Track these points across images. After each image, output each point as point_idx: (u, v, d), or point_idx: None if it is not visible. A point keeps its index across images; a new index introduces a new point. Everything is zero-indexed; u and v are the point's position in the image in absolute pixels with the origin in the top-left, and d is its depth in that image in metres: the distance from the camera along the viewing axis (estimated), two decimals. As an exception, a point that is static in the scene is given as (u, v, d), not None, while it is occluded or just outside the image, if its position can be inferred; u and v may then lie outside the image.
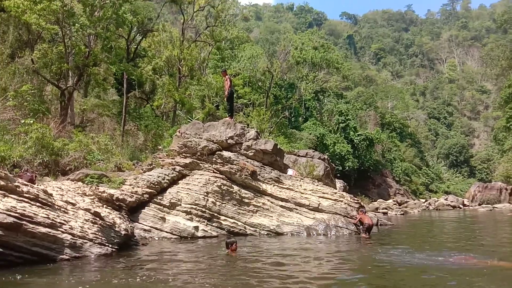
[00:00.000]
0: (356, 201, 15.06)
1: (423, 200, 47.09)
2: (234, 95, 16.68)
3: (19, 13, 17.35)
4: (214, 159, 14.08)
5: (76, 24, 18.45)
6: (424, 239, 13.24)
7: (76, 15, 18.75)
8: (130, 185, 12.41)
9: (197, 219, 12.54)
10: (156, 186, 12.61)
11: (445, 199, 42.42)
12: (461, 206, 39.28)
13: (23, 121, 14.65)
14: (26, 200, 7.70)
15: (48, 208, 8.05)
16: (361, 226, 13.06)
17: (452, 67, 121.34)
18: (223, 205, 13.18)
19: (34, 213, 7.53)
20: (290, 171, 15.89)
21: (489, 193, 41.19)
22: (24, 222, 7.22)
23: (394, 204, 37.70)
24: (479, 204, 39.40)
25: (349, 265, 7.97)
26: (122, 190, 11.91)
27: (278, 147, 15.73)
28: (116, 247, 8.83)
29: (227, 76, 16.17)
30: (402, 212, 30.76)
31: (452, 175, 74.05)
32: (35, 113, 16.76)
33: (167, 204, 12.46)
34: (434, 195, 56.41)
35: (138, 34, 28.16)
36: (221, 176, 13.61)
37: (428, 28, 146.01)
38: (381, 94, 76.22)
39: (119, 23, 21.14)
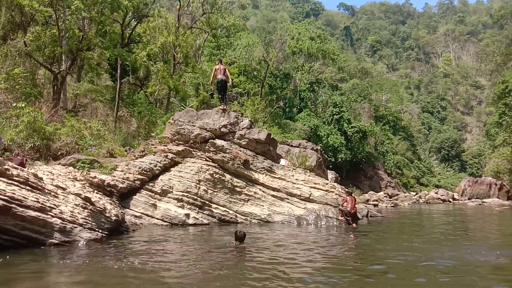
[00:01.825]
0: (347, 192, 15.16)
1: (414, 193, 47.49)
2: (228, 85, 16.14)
3: (11, -6, 17.07)
4: (207, 147, 14.07)
5: (71, 7, 18.18)
6: (415, 231, 13.41)
7: (70, -2, 18.46)
8: (122, 171, 12.39)
9: (188, 206, 12.58)
10: (148, 173, 12.61)
11: (435, 193, 42.82)
12: (451, 200, 39.68)
13: (14, 105, 14.53)
14: (16, 183, 7.67)
15: (38, 192, 8.03)
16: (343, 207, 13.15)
17: (447, 62, 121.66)
18: (215, 193, 13.22)
19: (24, 197, 7.51)
20: (282, 161, 15.94)
21: (479, 187, 41.60)
22: (13, 206, 7.20)
23: (385, 197, 38.00)
24: (469, 199, 39.80)
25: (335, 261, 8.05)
26: (114, 176, 11.91)
27: (272, 137, 15.74)
28: (106, 232, 8.85)
29: (216, 66, 15.37)
30: (392, 205, 31.01)
31: (443, 169, 74.67)
32: (27, 97, 16.61)
33: (159, 191, 12.48)
34: (425, 188, 56.90)
35: (133, 19, 27.77)
36: (213, 164, 13.63)
37: (425, 21, 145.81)
38: (376, 86, 76.21)
39: (114, 8, 20.82)
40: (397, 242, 9.67)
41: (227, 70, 15.47)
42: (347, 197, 13.43)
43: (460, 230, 13.62)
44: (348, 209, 12.96)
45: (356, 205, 13.45)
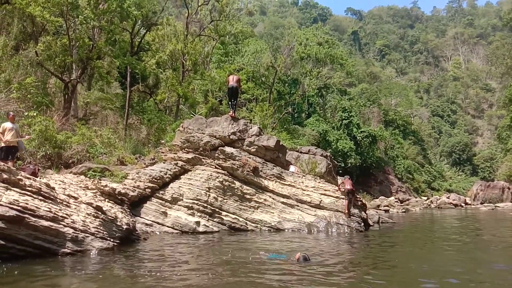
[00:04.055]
0: (357, 199, 15.06)
1: (425, 198, 47.02)
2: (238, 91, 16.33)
3: (23, 5, 17.38)
4: (216, 154, 14.08)
5: (80, 17, 18.44)
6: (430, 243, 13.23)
7: (80, 8, 18.73)
8: (133, 179, 12.45)
9: (198, 214, 12.58)
10: (158, 181, 12.65)
11: (447, 197, 42.34)
12: (463, 204, 39.19)
13: (26, 114, 14.70)
14: (28, 193, 7.73)
15: (50, 201, 8.08)
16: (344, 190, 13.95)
17: (456, 65, 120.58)
18: (225, 200, 13.21)
19: (36, 207, 7.56)
20: (292, 168, 15.88)
21: (491, 192, 41.06)
22: (26, 216, 7.25)
23: (396, 202, 37.68)
24: (481, 203, 39.29)
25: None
26: (125, 184, 11.96)
27: (281, 143, 15.71)
28: (117, 241, 8.86)
29: (230, 77, 15.86)
30: (403, 210, 30.72)
31: (454, 173, 73.82)
32: (39, 106, 16.81)
33: (169, 199, 12.51)
34: (436, 193, 56.27)
35: (142, 28, 28.09)
36: (223, 171, 13.63)
37: (434, 25, 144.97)
38: (385, 91, 75.81)
39: (123, 16, 21.08)
40: (428, 257, 9.50)
41: (239, 79, 15.85)
42: (346, 180, 14.28)
43: (485, 241, 13.14)
44: (347, 187, 13.73)
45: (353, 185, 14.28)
